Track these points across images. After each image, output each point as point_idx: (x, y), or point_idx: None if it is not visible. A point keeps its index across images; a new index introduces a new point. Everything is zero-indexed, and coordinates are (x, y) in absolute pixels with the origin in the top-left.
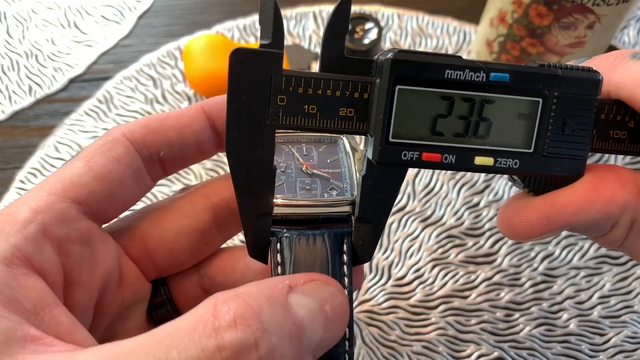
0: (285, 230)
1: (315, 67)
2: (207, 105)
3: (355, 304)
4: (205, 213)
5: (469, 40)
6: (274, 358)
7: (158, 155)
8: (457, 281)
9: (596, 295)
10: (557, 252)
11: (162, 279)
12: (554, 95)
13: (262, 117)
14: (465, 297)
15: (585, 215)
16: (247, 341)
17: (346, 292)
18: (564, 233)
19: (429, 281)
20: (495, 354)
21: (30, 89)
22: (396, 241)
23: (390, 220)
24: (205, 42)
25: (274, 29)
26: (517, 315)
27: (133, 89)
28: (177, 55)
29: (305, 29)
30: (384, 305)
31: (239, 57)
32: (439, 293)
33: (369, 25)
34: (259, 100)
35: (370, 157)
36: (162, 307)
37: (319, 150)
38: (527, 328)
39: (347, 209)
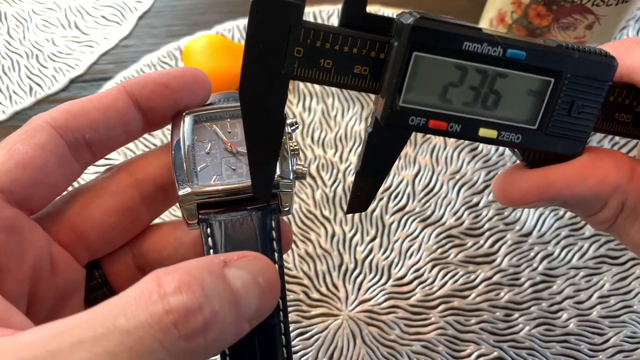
0: (213, 215)
1: None
2: (129, 84)
3: (355, 303)
4: (130, 190)
5: None
6: (216, 322)
7: (84, 139)
8: (456, 281)
9: (595, 295)
10: (557, 252)
11: (95, 263)
12: (566, 77)
13: (277, 67)
14: (465, 297)
15: (576, 191)
16: (193, 305)
17: (276, 266)
18: (563, 233)
19: (429, 281)
20: (495, 353)
21: (30, 89)
22: (396, 241)
23: (390, 220)
24: (205, 42)
25: None
26: (516, 315)
27: None
28: (178, 55)
29: None
30: (384, 305)
31: (260, 5)
32: (439, 293)
33: None
34: (276, 49)
35: (379, 118)
36: (98, 289)
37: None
38: (527, 328)
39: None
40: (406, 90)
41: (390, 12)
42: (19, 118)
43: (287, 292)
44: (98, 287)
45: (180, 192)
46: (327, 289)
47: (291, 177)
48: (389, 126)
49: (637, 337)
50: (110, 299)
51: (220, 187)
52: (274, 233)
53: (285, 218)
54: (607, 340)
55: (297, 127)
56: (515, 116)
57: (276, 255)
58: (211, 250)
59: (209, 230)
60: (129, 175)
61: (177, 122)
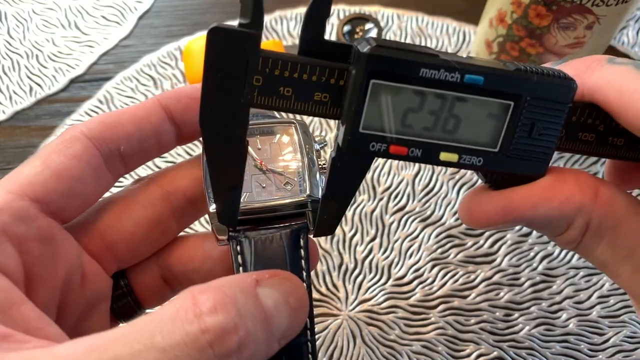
0: (243, 233)
1: None
2: (164, 97)
3: (355, 303)
4: (160, 202)
5: (469, 41)
6: (250, 342)
7: (118, 151)
8: (456, 281)
9: (595, 295)
10: (557, 252)
11: (121, 272)
12: (526, 100)
13: (236, 96)
14: (465, 297)
15: (540, 212)
16: (228, 325)
17: (305, 285)
18: None
19: (429, 281)
20: (495, 353)
21: (31, 89)
22: (396, 241)
23: (390, 220)
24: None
25: (254, 8)
26: (516, 314)
27: (133, 89)
28: (178, 55)
29: None
30: (384, 304)
31: (217, 35)
32: (439, 293)
33: (368, 25)
34: (235, 78)
35: (340, 144)
36: (123, 298)
37: (272, 142)
38: (527, 328)
39: (303, 207)
40: (366, 117)
41: (390, 12)
42: (19, 118)
43: None
44: (123, 296)
45: (212, 209)
46: (327, 288)
47: (320, 195)
48: (350, 152)
49: (636, 337)
50: (146, 316)
51: (250, 205)
52: (302, 252)
53: (311, 236)
54: (607, 340)
55: (325, 145)
56: (476, 139)
57: (304, 274)
58: (240, 268)
59: (238, 247)
60: (159, 187)
61: None
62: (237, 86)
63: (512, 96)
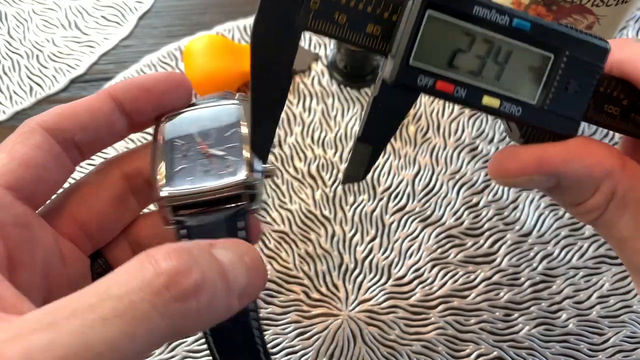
0: (187, 217)
1: (316, 68)
2: (114, 89)
3: (355, 303)
4: (121, 182)
5: None
6: (206, 285)
7: (73, 140)
8: (456, 281)
9: (595, 295)
10: (556, 252)
11: (97, 253)
12: (565, 54)
13: (291, 16)
14: (465, 297)
15: (572, 167)
16: (182, 267)
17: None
18: (563, 233)
19: (429, 281)
20: (495, 353)
21: (31, 89)
22: (396, 241)
23: (390, 220)
24: (205, 42)
25: None
26: (516, 314)
27: None
28: (178, 55)
29: None
30: (384, 304)
31: None
32: (439, 293)
33: None
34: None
35: (387, 78)
36: (102, 275)
37: (217, 125)
38: (526, 328)
39: (239, 190)
40: (417, 50)
41: None
42: (19, 118)
43: (288, 292)
44: (102, 273)
45: (157, 195)
46: (327, 288)
47: (259, 176)
48: (397, 85)
49: (636, 337)
50: (105, 276)
51: (194, 190)
52: (244, 232)
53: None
54: (607, 340)
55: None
56: (517, 89)
57: None
58: None
59: (180, 232)
60: (118, 169)
61: (158, 124)
62: (294, 6)
63: (554, 48)
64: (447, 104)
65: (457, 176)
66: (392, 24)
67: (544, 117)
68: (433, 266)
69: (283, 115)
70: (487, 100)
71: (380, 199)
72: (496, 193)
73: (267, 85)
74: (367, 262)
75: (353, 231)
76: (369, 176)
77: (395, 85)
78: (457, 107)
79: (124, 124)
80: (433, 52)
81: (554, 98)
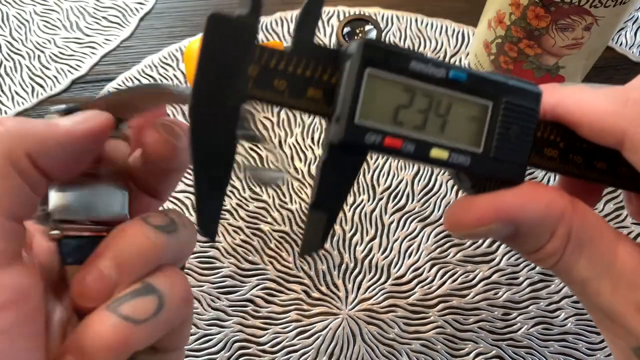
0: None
1: None
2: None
3: (354, 302)
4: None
5: (467, 42)
6: None
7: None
8: (455, 280)
9: None
10: None
11: None
12: (502, 101)
13: (231, 86)
14: (464, 296)
15: (529, 212)
16: None
17: None
18: None
19: (428, 280)
20: (493, 352)
21: (33, 90)
22: (395, 241)
23: (389, 220)
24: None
25: None
26: (515, 314)
27: None
28: (179, 56)
29: None
30: (383, 304)
31: (215, 22)
32: (438, 292)
33: (368, 27)
34: (230, 69)
35: (334, 140)
36: None
37: (108, 217)
38: (525, 327)
39: None
40: (361, 109)
41: (389, 13)
42: None
43: (288, 291)
44: None
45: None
46: (327, 288)
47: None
48: (345, 146)
49: None
50: None
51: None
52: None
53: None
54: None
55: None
56: (462, 139)
57: None
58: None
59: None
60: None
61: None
62: (233, 77)
63: (491, 96)
64: None
65: None
66: (333, 86)
67: (491, 165)
68: (432, 266)
69: (283, 115)
70: (435, 152)
71: (380, 199)
72: None
73: (211, 160)
74: (366, 261)
75: (353, 231)
76: (368, 176)
77: (343, 146)
78: None
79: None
80: (377, 109)
81: (499, 145)
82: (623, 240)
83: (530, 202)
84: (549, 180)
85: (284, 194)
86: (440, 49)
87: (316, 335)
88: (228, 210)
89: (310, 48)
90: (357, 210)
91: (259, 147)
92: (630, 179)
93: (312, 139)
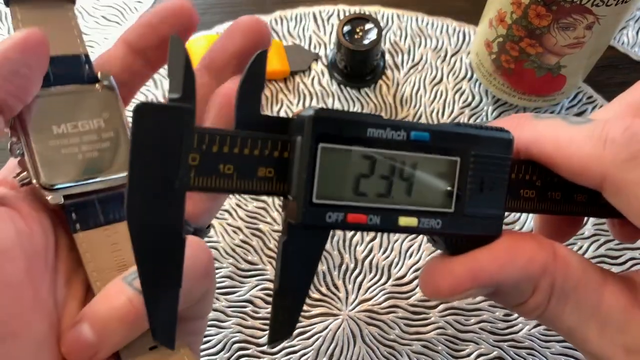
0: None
1: (316, 68)
2: (125, 34)
3: (355, 303)
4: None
5: (469, 41)
6: None
7: None
8: None
9: None
10: None
11: None
12: (471, 155)
13: (170, 179)
14: None
15: (507, 272)
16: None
17: None
18: None
19: None
20: (495, 353)
21: None
22: (396, 241)
23: None
24: (205, 42)
25: (185, 80)
26: (516, 314)
27: None
28: None
29: (305, 30)
30: (384, 304)
31: (144, 113)
32: None
33: (368, 26)
34: (167, 159)
35: (293, 221)
36: None
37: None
38: (526, 327)
39: None
40: (318, 185)
41: (390, 12)
42: None
43: None
44: None
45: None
46: (328, 288)
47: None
48: (305, 227)
49: None
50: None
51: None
52: None
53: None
54: None
55: None
56: (431, 201)
57: None
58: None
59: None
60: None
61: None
62: (171, 168)
63: (458, 151)
64: (447, 103)
65: None
66: (285, 161)
67: (465, 224)
68: None
69: (283, 115)
70: (403, 221)
71: None
72: None
73: (157, 259)
74: (367, 261)
75: (353, 231)
76: None
77: (302, 226)
78: (457, 107)
79: (141, 63)
80: (335, 183)
81: (471, 201)
82: (610, 282)
83: (509, 263)
84: None
85: None
86: (441, 48)
87: (316, 336)
88: (227, 210)
89: (257, 121)
90: None
91: None
92: (614, 208)
93: None
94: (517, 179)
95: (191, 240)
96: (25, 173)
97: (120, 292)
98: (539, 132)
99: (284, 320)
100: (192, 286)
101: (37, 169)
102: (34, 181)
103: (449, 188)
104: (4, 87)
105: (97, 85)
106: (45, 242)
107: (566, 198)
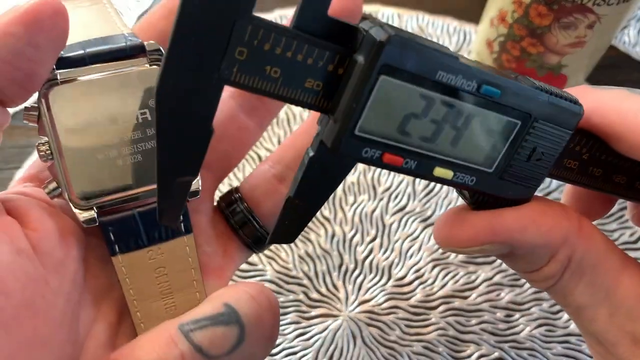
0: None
1: None
2: None
3: (355, 304)
4: (228, 100)
5: (469, 40)
6: None
7: None
8: (457, 281)
9: None
10: None
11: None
12: (532, 121)
13: (211, 68)
14: (466, 298)
15: (528, 235)
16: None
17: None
18: None
19: (429, 281)
20: (496, 354)
21: None
22: (396, 241)
23: (390, 220)
24: None
25: None
26: (517, 315)
27: None
28: None
29: None
30: (384, 305)
31: None
32: (439, 293)
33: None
34: (213, 47)
35: (327, 143)
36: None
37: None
38: (528, 328)
39: None
40: (365, 118)
41: (390, 11)
42: (18, 118)
43: (287, 293)
44: (235, 203)
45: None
46: (327, 289)
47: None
48: (337, 154)
49: None
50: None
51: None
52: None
53: None
54: None
55: None
56: (474, 157)
57: None
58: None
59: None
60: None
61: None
62: (215, 57)
63: (522, 115)
64: None
65: None
66: (337, 78)
67: (500, 186)
68: (434, 266)
69: (283, 115)
70: (439, 171)
71: (381, 199)
72: None
73: (180, 148)
74: (367, 262)
75: (353, 231)
76: (369, 176)
77: (335, 153)
78: None
79: None
80: (383, 119)
81: (514, 166)
82: (630, 269)
83: (531, 225)
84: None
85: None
86: None
87: (316, 337)
88: None
89: (321, 24)
90: (358, 211)
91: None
92: None
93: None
94: (565, 148)
95: (259, 292)
96: (54, 183)
97: (172, 344)
98: (603, 101)
99: (289, 227)
100: (251, 352)
101: (69, 181)
102: (65, 196)
103: (497, 149)
104: (2, 72)
105: (143, 59)
106: (64, 256)
107: (605, 177)
